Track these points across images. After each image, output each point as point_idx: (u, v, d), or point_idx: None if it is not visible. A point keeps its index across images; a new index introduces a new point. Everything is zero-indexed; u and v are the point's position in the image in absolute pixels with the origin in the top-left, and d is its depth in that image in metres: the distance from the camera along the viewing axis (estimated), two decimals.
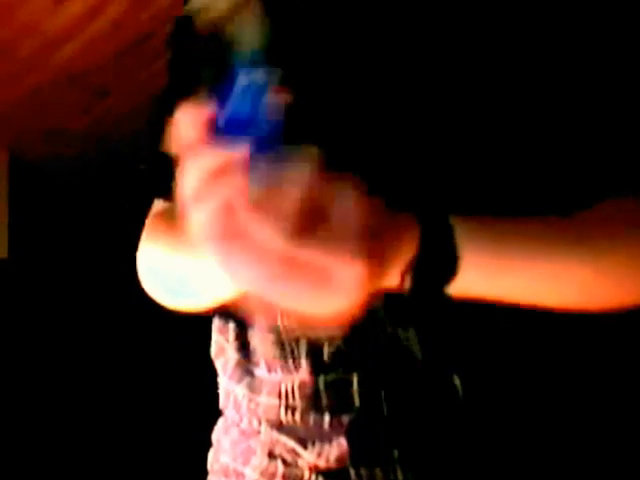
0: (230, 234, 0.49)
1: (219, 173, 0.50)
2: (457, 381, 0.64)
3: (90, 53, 2.37)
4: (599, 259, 0.61)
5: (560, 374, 0.66)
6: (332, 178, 0.51)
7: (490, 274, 0.58)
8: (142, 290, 0.85)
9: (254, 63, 0.54)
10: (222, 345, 0.78)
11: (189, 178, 0.51)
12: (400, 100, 0.66)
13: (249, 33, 0.56)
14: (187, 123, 0.51)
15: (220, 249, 0.49)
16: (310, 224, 0.49)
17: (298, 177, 0.49)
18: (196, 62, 0.72)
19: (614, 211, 0.64)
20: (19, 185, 2.77)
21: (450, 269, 0.56)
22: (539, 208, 0.62)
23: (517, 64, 0.65)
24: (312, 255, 0.49)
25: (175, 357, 2.38)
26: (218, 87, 0.52)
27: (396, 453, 0.64)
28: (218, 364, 0.79)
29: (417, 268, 0.55)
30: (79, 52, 2.36)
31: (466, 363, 0.64)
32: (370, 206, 0.52)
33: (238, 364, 0.75)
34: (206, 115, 0.50)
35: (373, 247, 0.51)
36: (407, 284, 0.55)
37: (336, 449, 0.66)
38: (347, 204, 0.51)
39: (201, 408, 0.93)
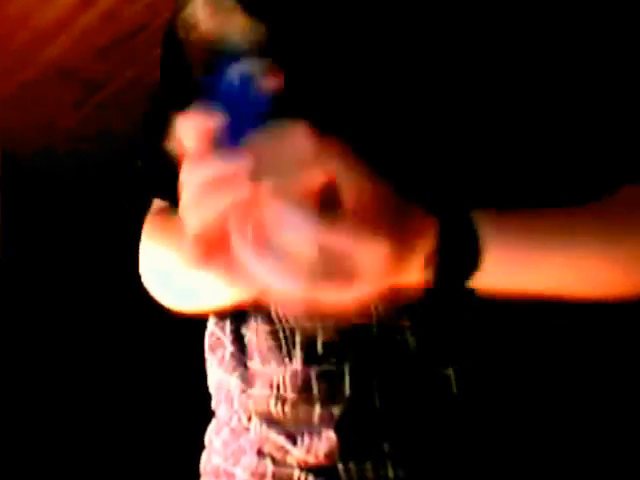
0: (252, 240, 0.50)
1: (218, 183, 0.51)
2: (451, 373, 0.65)
3: (82, 46, 2.38)
4: (614, 248, 0.63)
5: (556, 367, 0.67)
6: (337, 153, 0.52)
7: (511, 266, 0.59)
8: (135, 289, 0.86)
9: (242, 57, 0.55)
10: (219, 337, 0.80)
11: (187, 189, 0.52)
12: (407, 92, 0.67)
13: (237, 35, 0.58)
14: (187, 132, 0.53)
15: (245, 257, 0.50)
16: (326, 210, 0.50)
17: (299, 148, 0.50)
18: (187, 69, 0.74)
19: (631, 198, 0.65)
20: (12, 183, 2.78)
21: (473, 262, 0.57)
22: (555, 197, 0.63)
23: (525, 55, 0.66)
24: (338, 242, 0.50)
25: (168, 358, 2.39)
26: (208, 82, 0.54)
27: (387, 447, 0.65)
28: (214, 358, 0.80)
29: (439, 262, 0.56)
30: (70, 45, 2.36)
31: (460, 354, 0.65)
32: (384, 189, 0.53)
33: (233, 355, 0.76)
34: (204, 124, 0.52)
35: (393, 232, 0.52)
36: (428, 279, 0.56)
37: (325, 443, 0.67)
38: (360, 185, 0.52)
39: (194, 410, 0.93)
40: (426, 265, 0.56)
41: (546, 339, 0.66)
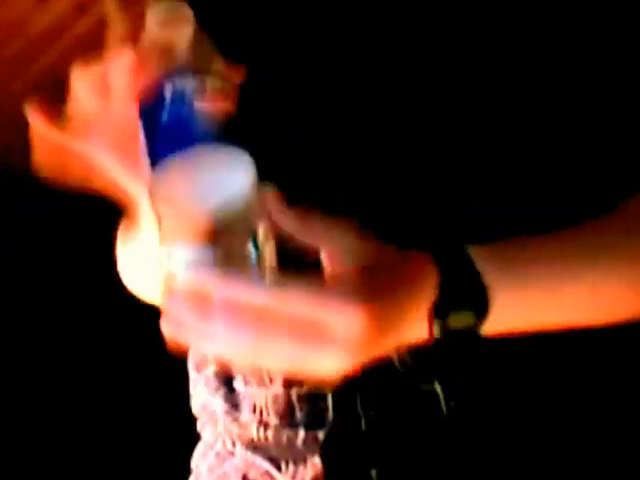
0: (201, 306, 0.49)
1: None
2: (439, 389, 0.63)
3: (77, 54, 2.39)
4: (630, 268, 0.61)
5: (548, 379, 0.66)
6: (313, 218, 0.51)
7: (521, 307, 0.57)
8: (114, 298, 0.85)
9: (182, 71, 0.53)
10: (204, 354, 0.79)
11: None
12: (396, 109, 0.67)
13: (186, 48, 0.57)
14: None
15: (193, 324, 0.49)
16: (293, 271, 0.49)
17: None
18: None
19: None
20: (9, 198, 2.81)
21: (481, 310, 0.55)
22: (561, 211, 0.62)
23: (521, 63, 0.65)
24: (299, 306, 0.48)
25: (153, 378, 2.39)
26: (145, 99, 0.53)
27: (374, 473, 0.64)
28: (200, 378, 0.80)
29: (444, 314, 0.54)
30: (65, 53, 2.38)
31: (448, 368, 0.64)
32: (368, 244, 0.52)
33: (216, 375, 0.76)
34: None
35: (378, 291, 0.50)
36: (435, 332, 0.54)
37: (311, 470, 0.66)
38: (337, 243, 0.51)
39: (181, 432, 0.93)
40: (429, 316, 0.54)
41: (537, 350, 0.65)
